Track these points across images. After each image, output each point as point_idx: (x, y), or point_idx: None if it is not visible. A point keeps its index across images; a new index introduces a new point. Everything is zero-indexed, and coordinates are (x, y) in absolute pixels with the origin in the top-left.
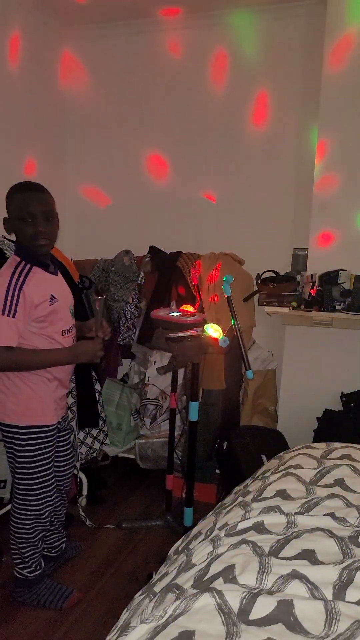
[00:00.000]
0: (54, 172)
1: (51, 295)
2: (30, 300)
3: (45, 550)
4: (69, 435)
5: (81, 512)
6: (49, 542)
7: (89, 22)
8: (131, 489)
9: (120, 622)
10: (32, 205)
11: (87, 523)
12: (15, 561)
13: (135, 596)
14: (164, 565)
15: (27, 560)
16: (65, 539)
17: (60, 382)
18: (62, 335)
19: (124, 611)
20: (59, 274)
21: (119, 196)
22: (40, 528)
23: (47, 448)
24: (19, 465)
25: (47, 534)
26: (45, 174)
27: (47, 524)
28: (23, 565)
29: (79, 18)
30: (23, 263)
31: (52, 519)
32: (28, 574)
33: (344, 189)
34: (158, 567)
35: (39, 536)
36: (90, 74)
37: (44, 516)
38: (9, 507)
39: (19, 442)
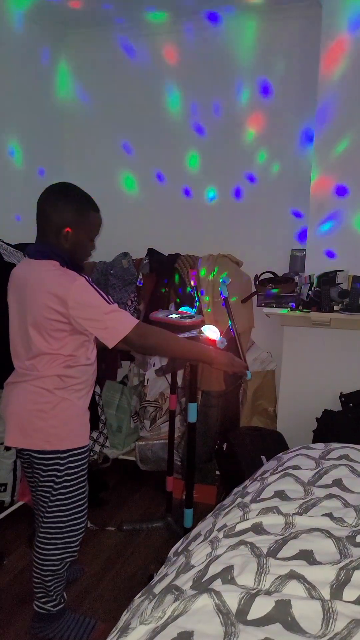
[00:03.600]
0: (52, 175)
1: None
2: None
3: None
4: None
5: None
6: None
7: (85, 27)
8: (131, 491)
9: (120, 624)
10: (100, 228)
11: (88, 525)
12: (38, 594)
13: (135, 597)
14: (163, 566)
15: (51, 593)
16: None
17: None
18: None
19: (124, 612)
20: None
21: (117, 199)
22: (69, 559)
23: (84, 471)
24: (55, 493)
25: None
26: (43, 177)
27: (76, 552)
28: (46, 599)
29: (76, 22)
30: (65, 268)
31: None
32: (52, 608)
33: (341, 190)
34: (159, 568)
35: (66, 567)
36: (87, 77)
37: (74, 545)
38: (9, 510)
39: (60, 468)
